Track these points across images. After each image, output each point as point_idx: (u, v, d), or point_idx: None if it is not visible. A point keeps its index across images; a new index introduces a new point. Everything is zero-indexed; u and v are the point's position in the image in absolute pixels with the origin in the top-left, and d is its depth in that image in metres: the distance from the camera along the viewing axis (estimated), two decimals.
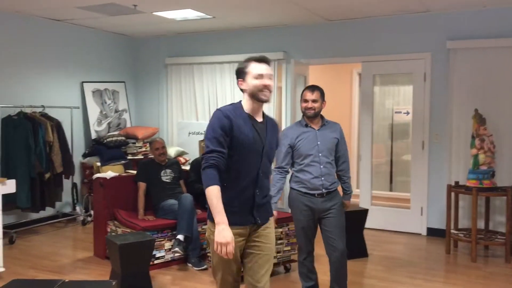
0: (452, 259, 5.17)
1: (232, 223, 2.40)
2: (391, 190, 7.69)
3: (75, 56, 6.89)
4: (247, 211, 2.55)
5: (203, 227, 4.83)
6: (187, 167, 5.85)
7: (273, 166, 2.99)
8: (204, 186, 2.39)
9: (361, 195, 6.49)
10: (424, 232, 6.06)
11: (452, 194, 5.36)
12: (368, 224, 6.05)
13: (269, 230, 2.66)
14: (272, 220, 2.72)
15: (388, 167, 7.74)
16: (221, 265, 2.54)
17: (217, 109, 2.52)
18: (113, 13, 6.03)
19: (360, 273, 4.68)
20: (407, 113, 7.44)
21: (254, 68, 2.52)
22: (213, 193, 2.35)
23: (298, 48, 6.71)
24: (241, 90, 2.60)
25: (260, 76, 2.51)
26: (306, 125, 3.63)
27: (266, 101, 2.55)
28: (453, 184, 5.48)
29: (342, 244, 3.62)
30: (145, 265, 3.99)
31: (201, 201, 5.23)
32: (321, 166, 3.55)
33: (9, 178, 4.97)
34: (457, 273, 4.69)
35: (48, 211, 6.30)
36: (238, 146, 2.47)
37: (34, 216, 6.17)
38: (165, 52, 7.62)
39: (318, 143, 3.57)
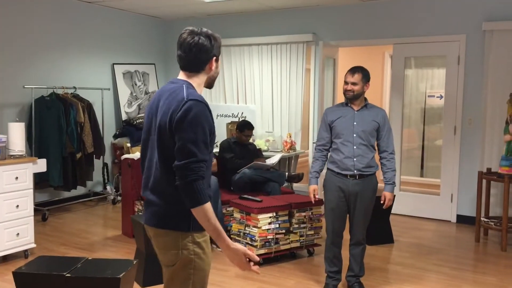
0: (481, 248, 5.04)
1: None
2: (422, 175, 7.54)
3: (106, 38, 6.98)
4: None
5: (228, 209, 4.87)
6: (216, 149, 5.88)
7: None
8: (194, 203, 1.93)
9: None
10: (453, 219, 5.93)
11: (484, 181, 5.20)
12: (397, 210, 5.99)
13: None
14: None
15: (419, 152, 7.58)
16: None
17: (196, 100, 1.96)
18: None
19: (385, 259, 4.63)
20: (441, 97, 7.23)
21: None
22: (211, 212, 1.96)
23: (327, 29, 6.59)
24: (199, 70, 2.09)
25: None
26: (347, 104, 3.63)
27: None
28: (485, 171, 5.32)
29: (361, 234, 3.65)
30: None
31: (225, 183, 5.28)
32: (354, 147, 3.52)
33: (42, 157, 5.14)
34: (486, 262, 4.58)
35: (80, 190, 6.48)
36: (213, 140, 2.06)
37: (67, 194, 6.36)
38: None
39: (355, 123, 3.55)
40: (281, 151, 6.57)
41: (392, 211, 5.75)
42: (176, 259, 2.04)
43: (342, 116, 3.60)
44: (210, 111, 2.02)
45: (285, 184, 5.97)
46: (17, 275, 2.66)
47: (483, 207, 5.27)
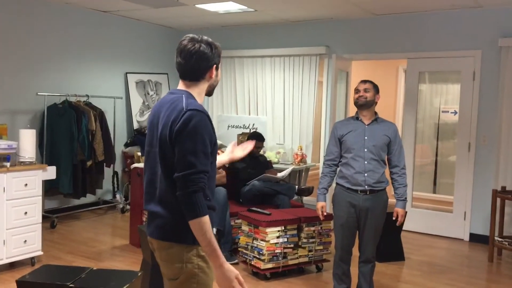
0: (495, 268, 4.92)
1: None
2: (434, 192, 7.42)
3: (120, 47, 7.03)
4: None
5: (236, 221, 4.82)
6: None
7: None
8: (192, 214, 1.88)
9: None
10: (466, 237, 5.80)
11: (498, 199, 5.09)
12: (408, 226, 5.89)
13: None
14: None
15: (432, 168, 7.47)
16: None
17: (196, 110, 1.92)
18: (156, 6, 6.09)
19: (395, 277, 4.54)
20: (455, 112, 7.14)
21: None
22: (208, 226, 1.89)
23: (341, 42, 6.56)
24: (198, 78, 2.05)
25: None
26: (357, 118, 3.57)
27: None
28: (499, 189, 5.21)
29: (371, 251, 3.57)
30: None
31: (234, 195, 5.23)
32: (365, 162, 3.45)
33: (53, 164, 5.15)
34: (499, 283, 4.46)
35: (90, 198, 6.47)
36: (214, 150, 2.02)
37: (76, 202, 6.36)
38: None
39: (365, 138, 3.48)
40: (292, 163, 6.51)
41: (404, 228, 5.64)
42: (180, 273, 1.99)
43: (353, 130, 3.54)
44: (210, 121, 1.98)
45: (295, 197, 5.91)
46: (20, 283, 2.63)
47: (497, 226, 5.15)
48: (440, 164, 7.37)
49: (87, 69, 6.59)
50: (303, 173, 6.69)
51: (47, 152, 5.84)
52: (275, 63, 7.01)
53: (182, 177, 1.89)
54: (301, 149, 6.64)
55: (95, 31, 6.65)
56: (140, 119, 7.28)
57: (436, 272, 4.69)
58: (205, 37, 2.08)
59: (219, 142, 7.00)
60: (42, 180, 5.37)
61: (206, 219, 1.89)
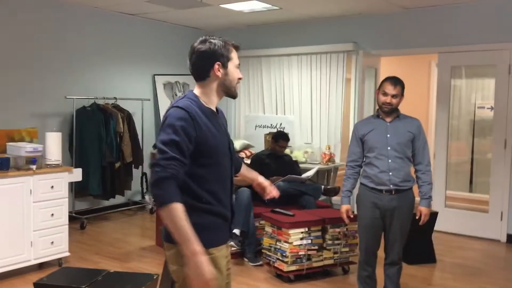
0: None
1: (220, 242, 2.01)
2: (471, 191, 7.14)
3: (148, 49, 7.09)
4: (227, 224, 2.09)
5: (261, 222, 4.76)
6: (249, 161, 5.81)
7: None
8: (160, 201, 1.82)
9: (434, 195, 6.06)
10: (503, 238, 5.55)
11: None
12: (442, 227, 5.70)
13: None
14: None
15: (468, 166, 7.19)
16: None
17: (178, 107, 1.94)
18: (180, 7, 6.11)
19: (425, 280, 4.37)
20: (491, 108, 6.85)
21: (236, 57, 2.08)
22: (179, 213, 1.80)
23: (369, 38, 6.39)
24: (204, 77, 2.03)
25: (238, 67, 2.10)
26: (378, 116, 3.45)
27: (237, 96, 2.15)
28: None
29: (397, 253, 3.44)
30: None
31: (259, 195, 5.17)
32: (389, 160, 3.33)
33: (82, 166, 5.23)
34: None
35: (120, 199, 6.56)
36: (211, 151, 1.99)
37: (106, 203, 6.45)
38: None
39: (388, 135, 3.36)
40: (319, 163, 6.40)
41: (437, 228, 5.45)
42: (179, 276, 1.95)
43: (375, 128, 3.42)
44: (193, 118, 1.92)
45: (323, 197, 5.80)
46: (37, 286, 2.66)
47: None
48: (476, 162, 7.07)
49: (115, 72, 6.67)
50: (332, 173, 6.56)
51: (77, 154, 5.94)
52: (301, 61, 6.91)
53: (153, 163, 1.88)
54: (329, 148, 6.52)
55: (122, 34, 6.73)
56: None
57: (469, 274, 4.49)
58: (210, 36, 2.05)
59: (246, 142, 7.02)
60: (72, 182, 5.52)
61: (175, 207, 1.80)
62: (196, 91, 2.06)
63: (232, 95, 2.11)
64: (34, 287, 2.68)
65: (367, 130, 3.45)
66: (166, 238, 2.00)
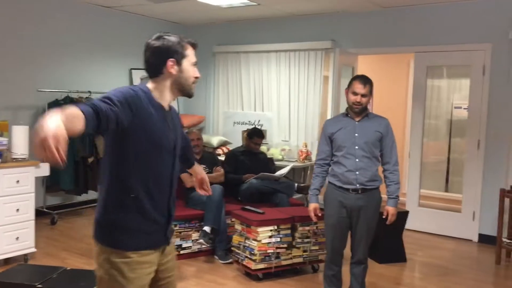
0: (502, 271, 4.71)
1: (144, 247, 1.91)
2: (446, 190, 7.19)
3: (124, 43, 6.98)
4: (161, 229, 2.00)
5: (232, 220, 4.72)
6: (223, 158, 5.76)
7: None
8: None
9: (408, 194, 6.10)
10: (475, 238, 5.58)
11: (507, 199, 4.87)
12: (415, 226, 5.74)
13: (173, 255, 2.13)
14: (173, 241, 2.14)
15: (445, 165, 7.23)
16: None
17: (127, 86, 1.94)
18: (156, 1, 6.02)
19: (393, 279, 4.37)
20: (468, 108, 6.90)
21: (192, 55, 2.03)
22: (75, 117, 1.59)
23: (347, 36, 6.38)
24: (157, 74, 1.98)
25: (195, 65, 2.05)
26: (347, 115, 3.43)
27: (193, 96, 2.10)
28: (508, 188, 4.98)
29: (363, 252, 3.44)
30: None
31: (233, 192, 5.14)
32: (357, 160, 3.31)
33: None
34: (506, 287, 4.25)
35: (93, 195, 6.45)
36: (150, 140, 1.91)
37: (80, 198, 6.35)
38: (213, 40, 7.53)
39: (356, 135, 3.34)
40: (296, 160, 6.38)
41: (410, 227, 5.49)
42: (96, 277, 1.90)
43: (343, 127, 3.40)
44: (138, 98, 1.87)
45: (298, 195, 5.78)
46: None
47: (505, 227, 4.93)
48: (453, 162, 7.13)
49: (90, 65, 6.57)
50: (308, 171, 6.54)
51: None
52: (280, 58, 6.87)
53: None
54: (306, 146, 6.50)
55: (98, 26, 6.62)
56: None
57: (438, 274, 4.51)
58: (166, 33, 2.03)
59: (223, 138, 6.97)
60: (44, 177, 5.41)
61: (75, 109, 1.60)
62: (155, 88, 2.00)
63: (188, 93, 2.06)
64: None
65: (335, 128, 3.43)
66: (94, 234, 1.96)
